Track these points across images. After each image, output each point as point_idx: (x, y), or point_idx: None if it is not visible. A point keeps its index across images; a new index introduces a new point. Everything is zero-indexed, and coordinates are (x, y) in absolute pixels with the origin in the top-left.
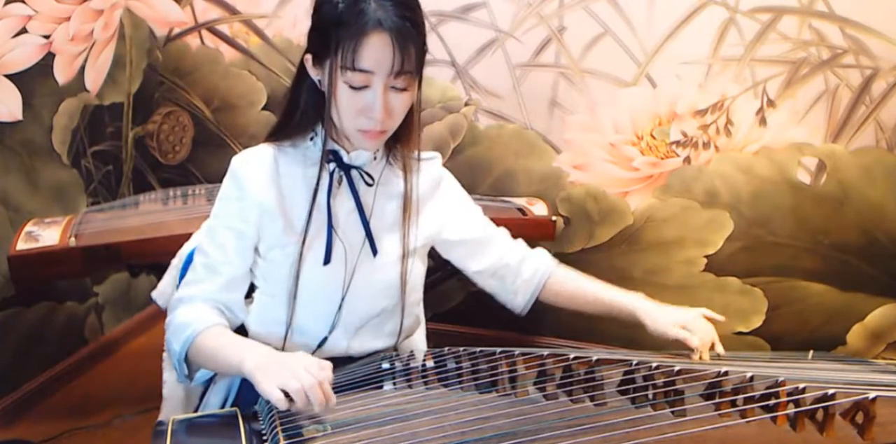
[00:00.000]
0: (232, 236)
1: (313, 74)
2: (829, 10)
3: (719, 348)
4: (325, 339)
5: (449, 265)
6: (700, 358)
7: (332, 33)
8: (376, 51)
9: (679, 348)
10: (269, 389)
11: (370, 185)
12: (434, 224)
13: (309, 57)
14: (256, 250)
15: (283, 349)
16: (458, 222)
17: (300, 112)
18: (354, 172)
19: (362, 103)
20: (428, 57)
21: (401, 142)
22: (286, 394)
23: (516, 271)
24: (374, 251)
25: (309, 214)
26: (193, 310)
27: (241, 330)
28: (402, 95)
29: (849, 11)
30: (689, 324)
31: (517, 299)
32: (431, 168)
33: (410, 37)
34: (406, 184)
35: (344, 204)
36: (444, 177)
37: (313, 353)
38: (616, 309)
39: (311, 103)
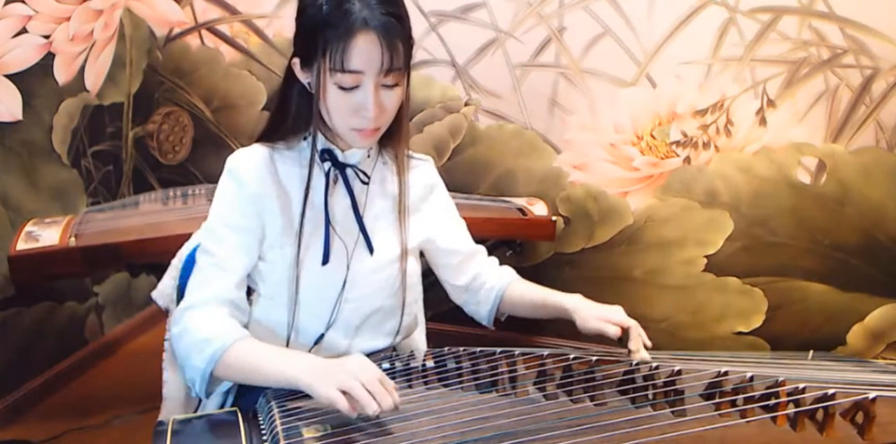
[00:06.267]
0: (235, 234)
1: (302, 77)
2: (829, 10)
3: (644, 354)
4: (322, 336)
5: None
6: (635, 351)
7: (318, 36)
8: (365, 51)
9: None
10: (328, 392)
11: (365, 183)
12: (426, 228)
13: (297, 61)
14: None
15: None
16: (449, 232)
17: (292, 116)
18: (350, 171)
19: (354, 103)
20: (428, 57)
21: (391, 138)
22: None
23: (482, 285)
24: (371, 250)
25: (303, 214)
26: (211, 321)
27: None
28: (392, 91)
29: (849, 11)
30: (610, 316)
31: (481, 309)
32: (425, 172)
33: (397, 33)
34: (399, 182)
35: (340, 203)
36: (437, 184)
37: (310, 350)
38: (556, 309)
39: (303, 106)
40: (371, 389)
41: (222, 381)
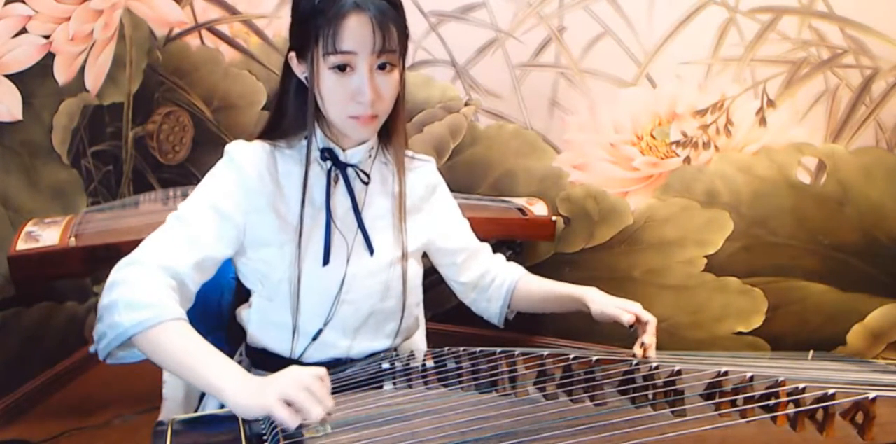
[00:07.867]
0: (220, 220)
1: (299, 71)
2: (829, 10)
3: (651, 352)
4: (321, 331)
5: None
6: (644, 351)
7: (311, 23)
8: (357, 31)
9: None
10: (267, 404)
11: (366, 183)
12: (428, 230)
13: (293, 55)
14: (242, 246)
15: (290, 353)
16: (452, 231)
17: (290, 113)
18: (350, 171)
19: (350, 89)
20: (428, 57)
21: (390, 135)
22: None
23: (491, 281)
24: (371, 250)
25: (301, 212)
26: (157, 287)
27: (242, 335)
28: (387, 76)
29: (849, 11)
30: (628, 306)
31: (491, 306)
32: (426, 173)
33: (389, 15)
34: (399, 182)
35: (341, 203)
36: (438, 184)
37: (308, 346)
38: (571, 300)
39: (301, 103)
40: (316, 393)
41: (132, 350)
